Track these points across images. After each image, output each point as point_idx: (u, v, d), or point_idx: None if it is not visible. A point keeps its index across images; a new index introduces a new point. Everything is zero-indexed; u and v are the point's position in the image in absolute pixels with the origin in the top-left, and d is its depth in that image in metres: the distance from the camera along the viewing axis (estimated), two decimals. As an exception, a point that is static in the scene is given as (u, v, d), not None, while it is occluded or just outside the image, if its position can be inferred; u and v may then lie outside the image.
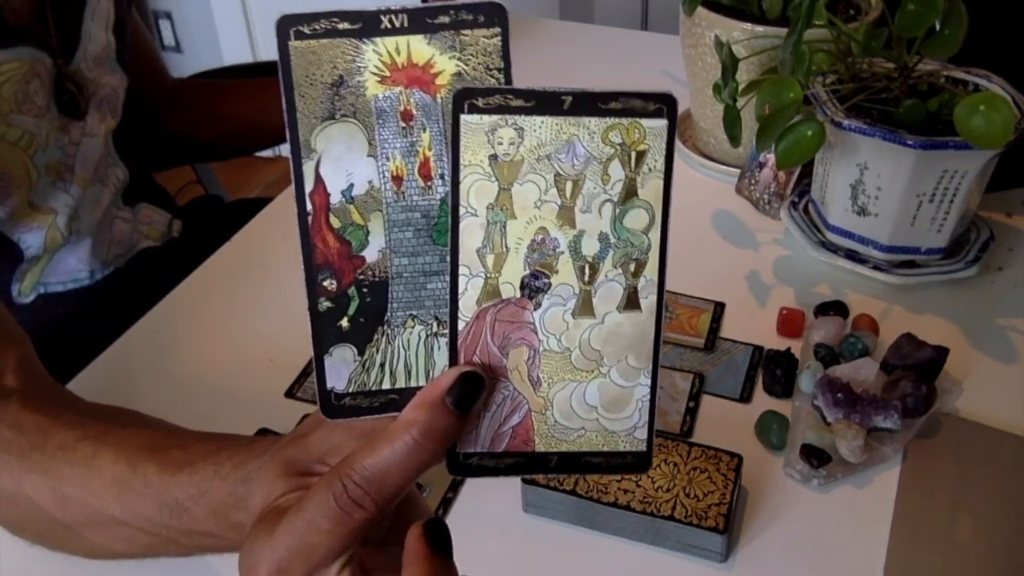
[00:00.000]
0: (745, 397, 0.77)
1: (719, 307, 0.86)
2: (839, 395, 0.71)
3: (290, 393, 0.79)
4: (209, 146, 1.25)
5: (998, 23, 0.97)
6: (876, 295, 0.88)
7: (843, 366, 0.75)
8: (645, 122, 0.38)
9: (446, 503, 0.69)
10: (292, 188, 0.40)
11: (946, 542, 0.65)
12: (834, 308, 0.83)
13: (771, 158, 0.98)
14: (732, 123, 0.88)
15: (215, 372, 0.82)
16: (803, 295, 0.88)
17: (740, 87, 0.86)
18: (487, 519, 0.68)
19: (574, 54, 1.36)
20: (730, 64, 0.86)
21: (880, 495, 0.69)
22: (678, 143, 1.10)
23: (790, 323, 0.83)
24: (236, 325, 0.87)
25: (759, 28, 0.93)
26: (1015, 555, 0.64)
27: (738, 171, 1.02)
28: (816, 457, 0.69)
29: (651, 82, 1.26)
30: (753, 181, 1.00)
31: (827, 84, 0.86)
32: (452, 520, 0.68)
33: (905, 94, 0.83)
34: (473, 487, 0.70)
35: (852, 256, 0.89)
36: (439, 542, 0.38)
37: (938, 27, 0.80)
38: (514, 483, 0.67)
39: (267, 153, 1.32)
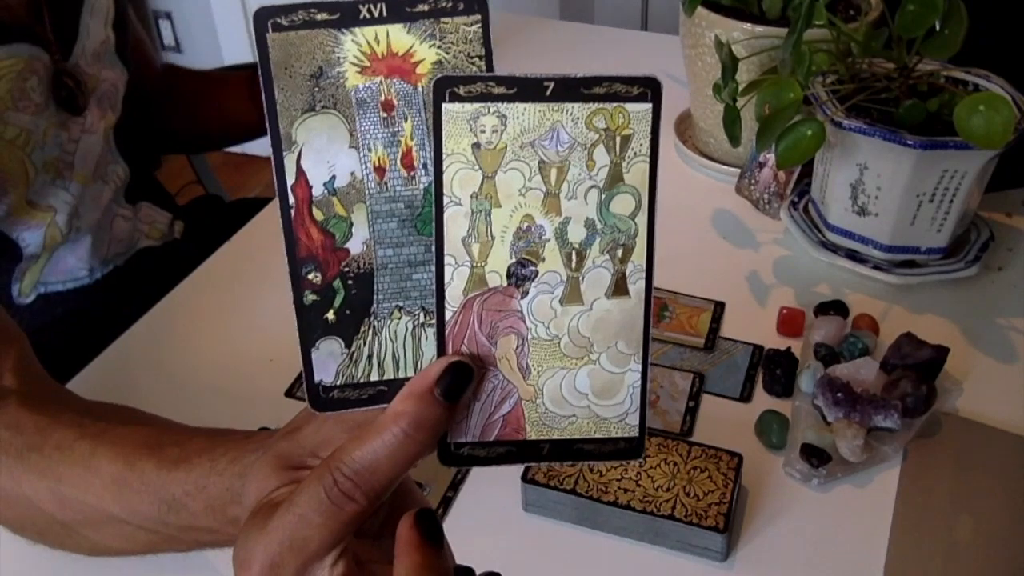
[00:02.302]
0: (745, 396, 0.77)
1: (719, 307, 0.86)
2: (839, 395, 0.71)
3: (290, 393, 0.79)
4: (208, 137, 1.24)
5: (998, 23, 0.97)
6: (876, 295, 0.88)
7: (843, 366, 0.75)
8: (629, 106, 0.38)
9: (446, 502, 0.69)
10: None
11: (946, 542, 0.65)
12: (834, 308, 0.83)
13: (771, 158, 0.98)
14: (732, 123, 0.88)
15: (215, 372, 0.82)
16: (803, 295, 0.89)
17: (740, 87, 0.86)
18: (487, 518, 0.68)
19: (574, 54, 1.36)
20: (730, 64, 0.86)
21: (880, 495, 0.69)
22: (678, 142, 1.10)
23: (790, 323, 0.83)
24: (236, 325, 0.87)
25: (759, 28, 0.93)
26: (1015, 555, 0.64)
27: (738, 171, 1.02)
28: (816, 456, 0.69)
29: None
30: (753, 181, 1.00)
31: (827, 84, 0.86)
32: (452, 519, 0.68)
33: (905, 94, 0.83)
34: (473, 486, 0.70)
35: (852, 256, 0.89)
36: (430, 530, 0.38)
37: (938, 27, 0.80)
38: (514, 481, 0.67)
39: (267, 153, 1.30)
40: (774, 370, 0.77)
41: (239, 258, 0.97)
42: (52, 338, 0.90)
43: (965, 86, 0.86)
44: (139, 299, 0.90)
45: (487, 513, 0.68)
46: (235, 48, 2.70)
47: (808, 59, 0.80)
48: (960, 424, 0.73)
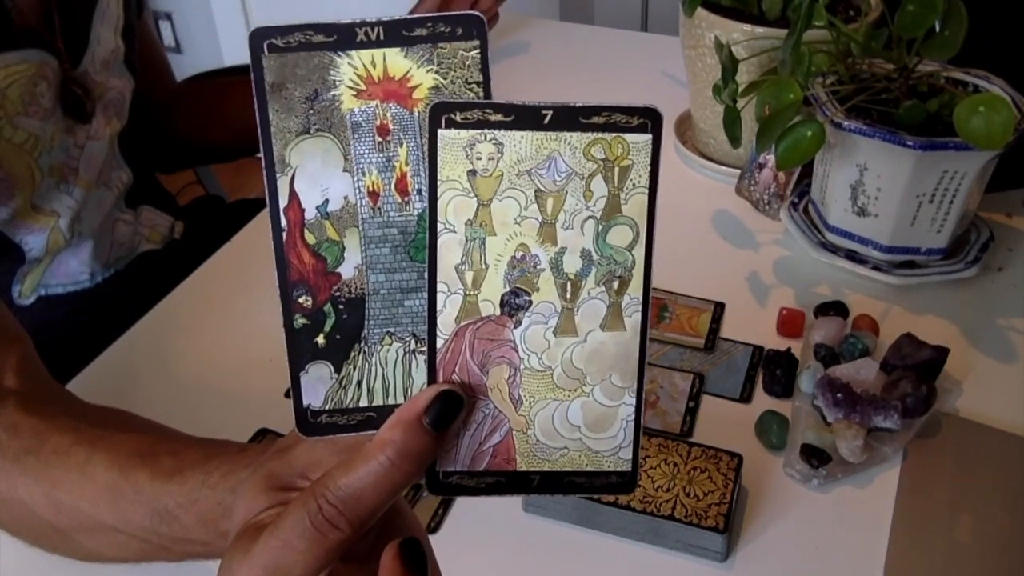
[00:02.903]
0: (745, 397, 0.77)
1: (719, 307, 0.86)
2: (839, 395, 0.71)
3: (289, 394, 0.79)
4: (218, 147, 1.24)
5: (998, 23, 0.97)
6: (876, 295, 0.88)
7: (843, 366, 0.76)
8: (629, 137, 0.37)
9: (446, 502, 0.69)
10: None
11: (946, 542, 0.65)
12: (834, 308, 0.83)
13: (771, 159, 0.98)
14: (732, 124, 0.88)
15: (215, 372, 0.82)
16: (803, 295, 0.89)
17: (740, 88, 0.86)
18: (488, 519, 0.68)
19: (574, 55, 1.36)
20: (730, 65, 0.86)
21: (880, 495, 0.69)
22: (678, 144, 1.10)
23: (790, 323, 0.83)
24: (236, 325, 0.88)
25: (759, 29, 0.93)
26: (1015, 555, 0.64)
27: (738, 172, 1.02)
28: (816, 457, 0.69)
29: (651, 83, 1.26)
30: (753, 182, 1.00)
31: (827, 85, 0.86)
32: (452, 520, 0.68)
33: (905, 95, 0.83)
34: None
35: (852, 256, 0.89)
36: (414, 562, 0.37)
37: (938, 28, 0.80)
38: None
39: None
40: (774, 371, 0.77)
41: (239, 259, 0.97)
42: (52, 339, 0.90)
43: (965, 87, 0.86)
44: (139, 302, 0.90)
45: (487, 514, 0.68)
46: (235, 49, 2.70)
47: (808, 60, 0.80)
48: (960, 424, 0.73)
